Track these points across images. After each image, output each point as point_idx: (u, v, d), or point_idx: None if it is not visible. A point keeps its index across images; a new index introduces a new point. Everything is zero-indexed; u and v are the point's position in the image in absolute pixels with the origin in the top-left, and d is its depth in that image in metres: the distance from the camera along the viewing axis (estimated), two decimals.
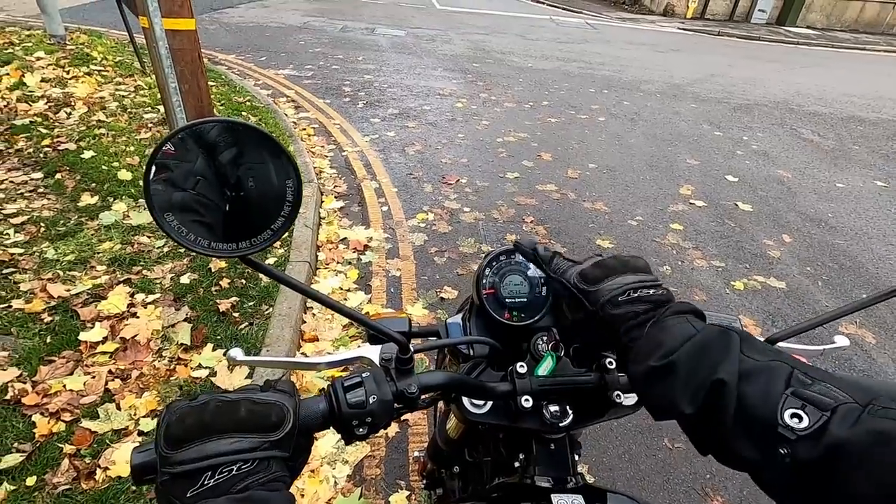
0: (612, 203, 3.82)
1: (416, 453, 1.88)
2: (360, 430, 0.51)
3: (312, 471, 1.75)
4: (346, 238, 3.08)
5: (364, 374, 0.53)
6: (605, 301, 0.53)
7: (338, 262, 2.87)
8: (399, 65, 7.25)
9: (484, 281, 0.72)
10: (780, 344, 0.60)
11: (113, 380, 1.87)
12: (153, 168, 0.41)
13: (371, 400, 0.51)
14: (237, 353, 0.57)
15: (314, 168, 3.85)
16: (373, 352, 0.62)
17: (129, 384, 1.88)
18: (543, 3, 17.33)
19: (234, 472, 0.39)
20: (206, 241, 0.44)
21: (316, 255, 2.90)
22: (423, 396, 0.59)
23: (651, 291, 0.54)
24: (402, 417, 1.98)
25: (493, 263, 0.74)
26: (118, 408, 1.78)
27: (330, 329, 2.36)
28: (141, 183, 3.05)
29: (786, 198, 4.17)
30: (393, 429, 1.93)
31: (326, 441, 1.84)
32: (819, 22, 16.28)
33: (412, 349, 0.60)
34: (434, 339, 0.75)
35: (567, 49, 9.75)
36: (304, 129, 4.63)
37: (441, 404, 1.07)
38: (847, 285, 3.04)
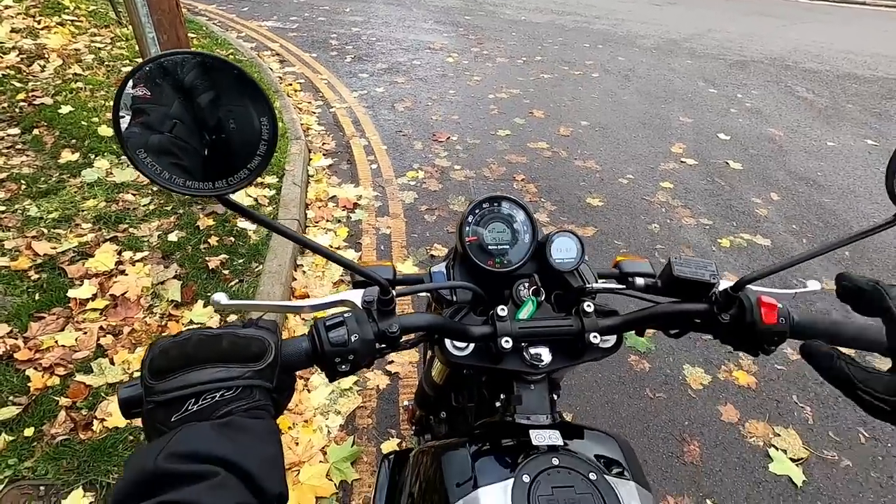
0: (604, 161, 3.80)
1: (406, 402, 1.94)
2: (343, 367, 0.53)
3: (306, 421, 1.80)
4: (335, 196, 3.06)
5: (346, 315, 0.54)
6: None
7: (327, 220, 2.86)
8: (388, 17, 6.98)
9: (467, 229, 0.73)
10: (751, 286, 0.62)
11: (105, 336, 1.89)
12: (122, 104, 0.40)
13: (353, 339, 0.52)
14: (221, 297, 0.57)
15: (301, 125, 3.76)
16: (356, 295, 0.63)
17: (121, 340, 1.89)
18: None
19: (217, 399, 0.40)
20: (181, 180, 0.43)
21: (305, 213, 2.88)
22: (405, 338, 0.60)
23: None
24: (393, 370, 2.03)
25: (476, 211, 0.74)
26: (111, 362, 1.80)
27: (321, 286, 2.38)
28: None
29: (776, 156, 4.17)
30: (384, 381, 1.99)
31: (319, 393, 1.89)
32: None
33: (393, 292, 0.61)
34: (420, 284, 0.76)
35: (562, 1, 9.41)
36: (291, 85, 4.50)
37: (429, 353, 1.10)
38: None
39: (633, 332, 0.69)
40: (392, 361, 2.06)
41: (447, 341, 0.66)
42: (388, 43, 5.87)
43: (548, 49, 6.34)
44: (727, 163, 3.95)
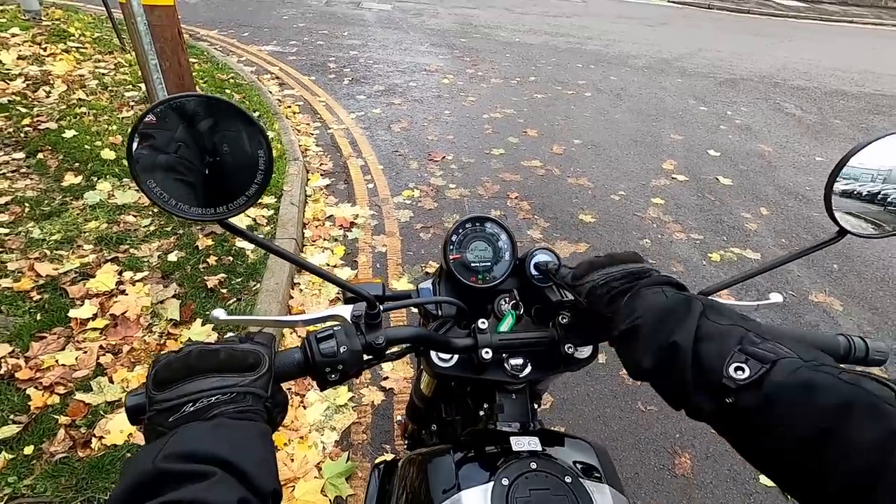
0: (596, 178, 3.87)
1: (399, 417, 1.96)
2: (332, 376, 0.57)
3: (301, 437, 1.82)
4: (332, 215, 3.12)
5: (336, 328, 0.59)
6: (589, 288, 0.60)
7: (324, 239, 2.91)
8: (385, 40, 7.15)
9: (451, 247, 0.78)
10: (713, 297, 0.67)
11: (104, 354, 1.93)
12: (136, 136, 0.46)
13: (342, 350, 0.56)
14: (220, 312, 0.62)
15: (300, 146, 3.85)
16: (345, 310, 0.67)
17: (120, 358, 1.93)
18: None
19: (211, 401, 0.44)
20: (185, 206, 0.49)
21: (302, 232, 2.93)
22: (391, 349, 0.65)
23: (630, 267, 0.60)
24: (388, 386, 2.06)
25: (460, 231, 0.80)
26: (111, 381, 1.83)
27: (317, 303, 2.42)
28: (125, 162, 3.05)
29: (765, 171, 4.25)
30: (379, 397, 2.02)
31: (315, 409, 1.92)
32: None
33: (380, 306, 0.66)
34: (406, 299, 0.81)
35: (555, 23, 9.64)
36: (289, 107, 4.60)
37: (419, 365, 1.14)
38: (818, 256, 3.15)
39: (608, 343, 0.74)
40: (387, 377, 2.09)
41: (432, 353, 0.71)
42: (385, 65, 6.01)
43: (541, 69, 6.49)
44: (717, 178, 4.03)
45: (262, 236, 2.68)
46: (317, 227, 3.01)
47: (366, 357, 0.61)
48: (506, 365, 0.69)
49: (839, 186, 0.56)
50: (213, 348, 0.49)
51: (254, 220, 2.84)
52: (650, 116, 5.24)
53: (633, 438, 1.95)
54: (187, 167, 0.48)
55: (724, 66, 7.53)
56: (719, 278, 2.88)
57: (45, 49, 4.58)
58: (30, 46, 4.57)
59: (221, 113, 0.49)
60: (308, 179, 3.47)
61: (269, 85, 5.05)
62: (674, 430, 1.99)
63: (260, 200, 2.97)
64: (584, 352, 0.72)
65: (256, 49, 6.16)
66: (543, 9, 11.15)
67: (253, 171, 0.51)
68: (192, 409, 0.44)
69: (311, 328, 0.64)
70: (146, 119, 0.46)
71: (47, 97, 3.77)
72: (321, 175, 3.56)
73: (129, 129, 0.45)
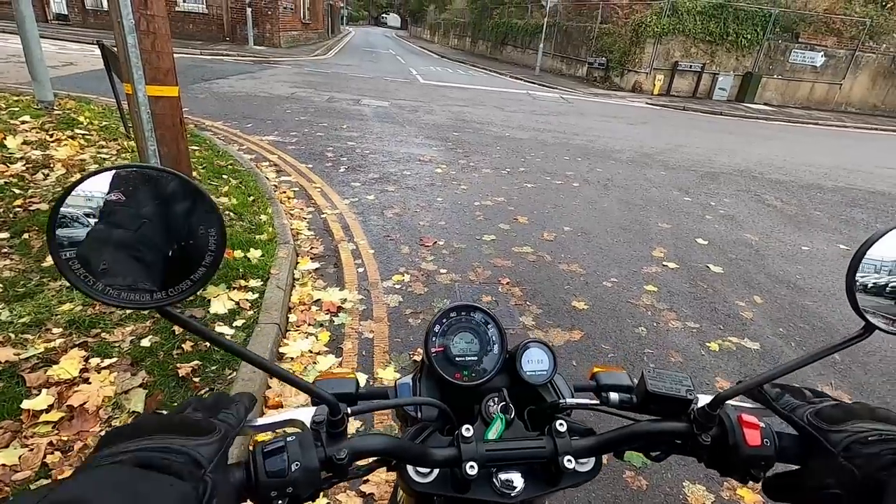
0: (587, 265, 3.87)
1: None
2: (279, 502, 0.47)
3: None
4: (319, 299, 3.03)
5: (289, 439, 0.49)
6: (850, 442, 0.50)
7: (309, 325, 2.80)
8: (382, 132, 7.53)
9: (433, 339, 0.69)
10: (729, 402, 0.58)
11: (52, 452, 1.73)
12: (62, 206, 0.39)
13: (294, 467, 0.47)
14: None
15: (292, 229, 3.86)
16: (306, 414, 0.58)
17: (69, 457, 1.73)
18: (521, 79, 18.51)
19: (139, 451, 0.38)
20: (115, 291, 0.42)
21: (287, 316, 2.83)
22: (356, 463, 0.54)
23: None
24: (367, 491, 1.85)
25: (444, 320, 0.71)
26: None
27: (296, 394, 2.25)
28: None
29: (754, 260, 4.28)
30: (356, 503, 1.80)
31: None
32: (775, 99, 17.60)
33: (346, 411, 0.56)
34: (378, 400, 0.71)
35: (543, 120, 10.29)
36: (285, 192, 4.69)
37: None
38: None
39: (612, 454, 0.64)
40: (367, 481, 1.89)
41: (409, 467, 0.60)
42: (381, 155, 6.26)
43: (530, 161, 6.79)
44: (708, 266, 4.05)
45: (244, 325, 2.57)
46: (303, 311, 2.91)
47: (324, 475, 0.50)
48: (494, 480, 0.58)
49: (860, 279, 0.51)
50: (166, 414, 0.45)
51: (237, 303, 2.75)
52: (637, 206, 5.39)
53: None
54: (121, 244, 0.42)
55: (703, 161, 7.93)
56: (719, 368, 2.76)
57: (51, 135, 4.74)
58: (37, 133, 4.73)
59: (166, 186, 0.43)
60: (297, 263, 3.43)
61: (266, 171, 5.19)
62: None
63: (245, 283, 2.91)
64: (587, 464, 0.62)
65: (258, 139, 6.43)
66: (531, 108, 11.97)
67: (201, 251, 0.44)
68: (108, 460, 0.37)
69: (261, 437, 0.54)
70: (76, 190, 0.40)
71: (45, 179, 3.82)
72: (311, 258, 3.53)
73: (58, 195, 0.39)
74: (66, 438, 1.79)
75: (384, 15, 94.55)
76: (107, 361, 2.16)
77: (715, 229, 4.92)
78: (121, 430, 0.41)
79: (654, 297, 3.46)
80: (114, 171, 0.41)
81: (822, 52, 17.00)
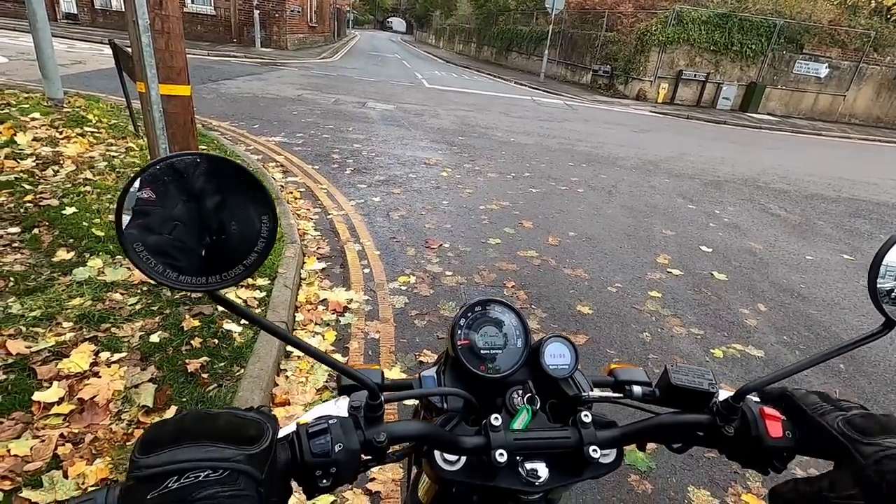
0: (592, 270, 3.88)
1: None
2: (324, 481, 0.48)
3: None
4: (325, 299, 3.05)
5: (331, 421, 0.51)
6: (883, 456, 0.49)
7: (315, 324, 2.82)
8: (387, 135, 7.57)
9: (459, 332, 0.71)
10: (750, 397, 0.60)
11: (64, 444, 1.75)
12: (127, 196, 0.41)
13: (337, 448, 0.48)
14: None
15: (298, 229, 3.88)
16: (342, 405, 0.59)
17: (80, 449, 1.75)
18: (526, 86, 18.59)
19: (199, 479, 0.37)
20: (174, 274, 0.43)
21: (294, 315, 2.85)
22: (392, 449, 0.56)
23: None
24: (374, 489, 1.86)
25: (469, 314, 0.73)
26: (65, 476, 1.64)
27: (303, 392, 2.27)
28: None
29: (758, 268, 4.29)
30: (363, 501, 1.81)
31: None
32: (778, 109, 17.64)
33: (382, 396, 0.58)
34: (410, 389, 0.73)
35: (547, 126, 10.32)
36: (291, 193, 4.72)
37: (413, 469, 1.01)
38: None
39: (634, 445, 0.65)
40: (374, 479, 1.90)
41: (437, 454, 0.62)
42: (387, 158, 6.29)
43: (535, 166, 6.81)
44: (712, 274, 4.06)
45: (232, 329, 2.59)
46: (309, 310, 2.93)
47: (364, 458, 0.52)
48: (520, 469, 0.60)
49: (881, 284, 0.53)
50: (211, 412, 0.44)
51: (244, 301, 2.77)
52: (641, 213, 5.41)
53: None
54: (182, 232, 0.44)
55: (707, 170, 7.95)
56: (724, 375, 2.77)
57: (60, 132, 4.77)
58: (46, 130, 4.77)
59: (223, 175, 0.45)
60: (304, 262, 3.45)
61: (273, 172, 5.22)
62: None
63: (252, 281, 2.93)
64: (609, 455, 0.63)
65: (265, 139, 6.46)
66: (536, 114, 12.02)
67: (254, 238, 0.46)
68: (175, 486, 0.37)
69: (301, 420, 0.56)
70: (143, 177, 0.42)
71: (54, 175, 3.85)
72: (317, 259, 3.55)
73: (123, 185, 0.41)
74: (76, 431, 1.81)
75: (389, 19, 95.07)
76: (116, 356, 2.18)
77: (719, 237, 4.93)
78: (162, 433, 0.41)
79: (659, 303, 3.48)
80: (175, 158, 0.43)
81: (827, 64, 17.06)
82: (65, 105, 5.73)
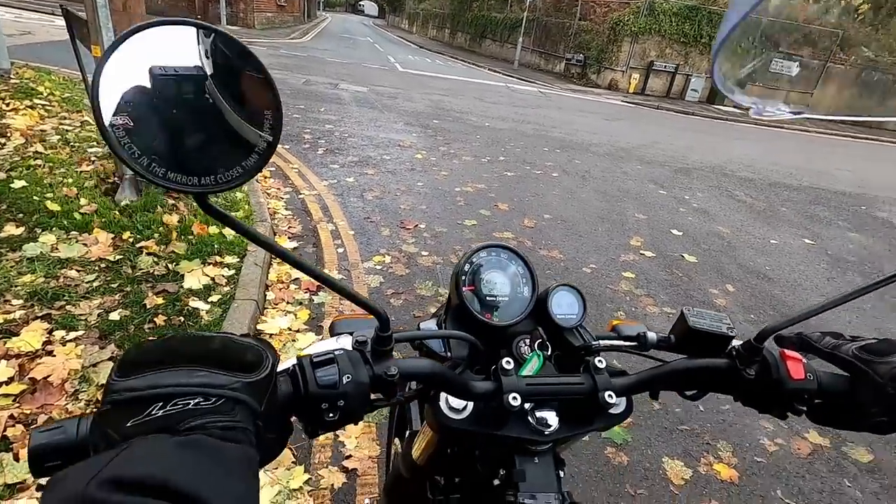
0: (567, 251, 3.90)
1: (367, 501, 1.71)
2: (330, 415, 0.44)
3: None
4: (298, 278, 2.95)
5: (337, 352, 0.46)
6: None
7: (287, 303, 2.72)
8: (360, 117, 7.40)
9: (464, 277, 0.66)
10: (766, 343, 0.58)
11: (14, 425, 1.63)
12: (106, 63, 0.33)
13: (345, 380, 0.44)
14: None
15: (269, 208, 3.75)
16: (345, 342, 0.54)
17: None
18: (500, 73, 18.54)
19: (189, 406, 0.32)
20: (161, 170, 0.36)
21: (265, 294, 2.75)
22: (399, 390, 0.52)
23: None
24: (351, 466, 1.81)
25: (474, 260, 0.68)
26: (16, 458, 1.53)
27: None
28: (76, 214, 2.85)
29: (726, 251, 4.41)
30: (339, 479, 1.76)
31: (263, 494, 1.64)
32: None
33: (392, 331, 0.53)
34: (416, 331, 0.68)
35: (522, 112, 10.32)
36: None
37: (406, 430, 0.97)
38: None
39: (648, 393, 0.62)
40: (349, 455, 1.85)
41: (442, 402, 0.57)
42: (360, 139, 6.16)
43: (510, 151, 6.80)
44: (683, 256, 4.14)
45: (219, 301, 2.48)
46: (281, 289, 2.83)
47: (372, 395, 0.48)
48: (530, 418, 0.56)
49: None
50: (203, 335, 0.39)
51: (212, 279, 2.65)
52: (614, 197, 5.47)
53: None
54: (171, 118, 0.36)
55: (677, 157, 8.11)
56: None
57: (7, 104, 4.45)
58: None
59: (221, 53, 0.37)
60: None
61: None
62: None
63: (221, 259, 2.81)
64: (620, 405, 0.60)
65: None
66: (510, 100, 12.00)
67: (255, 135, 0.38)
68: (160, 412, 0.31)
69: (302, 353, 0.50)
70: (124, 44, 0.34)
71: (1, 148, 3.59)
72: (289, 238, 3.44)
73: (102, 53, 0.34)
74: (28, 412, 1.69)
75: (361, 2, 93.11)
76: (72, 334, 2.05)
77: (689, 221, 5.04)
78: (145, 353, 0.35)
79: (633, 284, 3.52)
80: (168, 26, 0.35)
81: (798, 62, 17.61)
82: (12, 76, 5.35)
